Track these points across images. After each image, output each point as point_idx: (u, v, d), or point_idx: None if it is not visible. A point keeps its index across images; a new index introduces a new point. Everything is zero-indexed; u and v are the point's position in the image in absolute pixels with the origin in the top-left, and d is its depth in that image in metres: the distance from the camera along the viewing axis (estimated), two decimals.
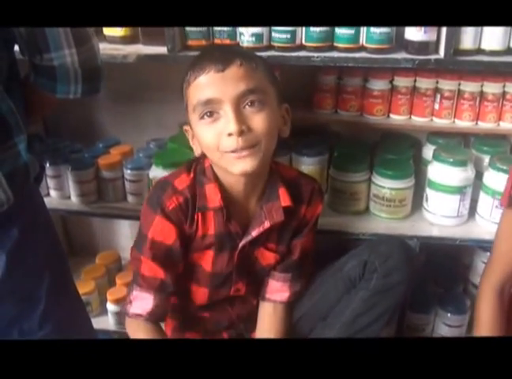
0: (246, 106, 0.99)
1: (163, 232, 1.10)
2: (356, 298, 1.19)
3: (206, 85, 0.98)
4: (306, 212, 1.19)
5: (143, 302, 1.14)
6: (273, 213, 1.11)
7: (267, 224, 1.12)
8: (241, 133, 0.97)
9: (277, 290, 1.23)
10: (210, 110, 0.99)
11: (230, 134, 0.98)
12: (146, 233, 1.10)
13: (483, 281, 1.21)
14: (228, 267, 1.17)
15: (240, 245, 1.14)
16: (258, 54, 1.26)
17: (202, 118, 1.00)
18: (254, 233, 1.13)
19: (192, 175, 1.12)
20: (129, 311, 1.15)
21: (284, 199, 1.12)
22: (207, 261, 1.16)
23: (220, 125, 0.99)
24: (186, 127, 1.10)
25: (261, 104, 1.00)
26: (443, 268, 1.68)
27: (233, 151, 0.99)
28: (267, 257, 1.20)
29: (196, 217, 1.11)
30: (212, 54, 1.02)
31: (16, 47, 1.02)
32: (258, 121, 0.99)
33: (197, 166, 1.13)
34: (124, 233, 1.88)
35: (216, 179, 1.09)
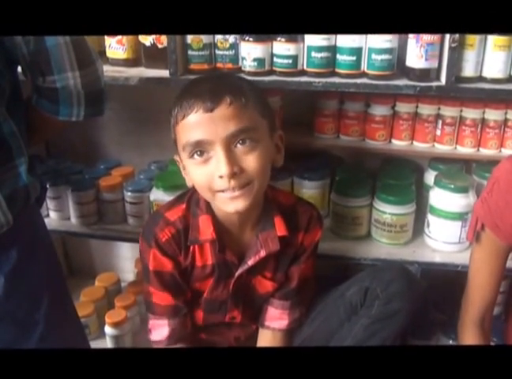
0: (238, 145, 0.97)
1: (161, 264, 1.10)
2: (357, 325, 1.17)
3: (195, 126, 0.96)
4: (304, 239, 1.17)
5: (159, 329, 1.16)
6: (269, 242, 1.10)
7: (263, 253, 1.10)
8: (233, 175, 0.95)
9: (276, 317, 1.22)
10: (200, 149, 0.97)
11: (221, 176, 0.96)
12: (147, 265, 1.11)
13: (462, 315, 1.20)
14: (223, 294, 1.16)
15: (236, 274, 1.13)
16: (260, 79, 1.28)
17: (192, 157, 0.98)
18: (250, 262, 1.12)
19: (185, 206, 1.11)
20: (150, 339, 1.19)
21: (280, 228, 1.10)
22: (206, 288, 1.16)
23: (211, 166, 0.97)
24: (176, 157, 1.08)
25: (253, 142, 0.97)
26: (445, 294, 1.66)
27: (225, 191, 0.98)
28: (264, 285, 1.18)
29: (192, 248, 1.10)
30: (199, 89, 0.98)
31: (19, 69, 1.02)
32: (251, 161, 0.97)
33: (191, 196, 1.12)
34: (124, 255, 1.87)
35: (210, 211, 1.08)
